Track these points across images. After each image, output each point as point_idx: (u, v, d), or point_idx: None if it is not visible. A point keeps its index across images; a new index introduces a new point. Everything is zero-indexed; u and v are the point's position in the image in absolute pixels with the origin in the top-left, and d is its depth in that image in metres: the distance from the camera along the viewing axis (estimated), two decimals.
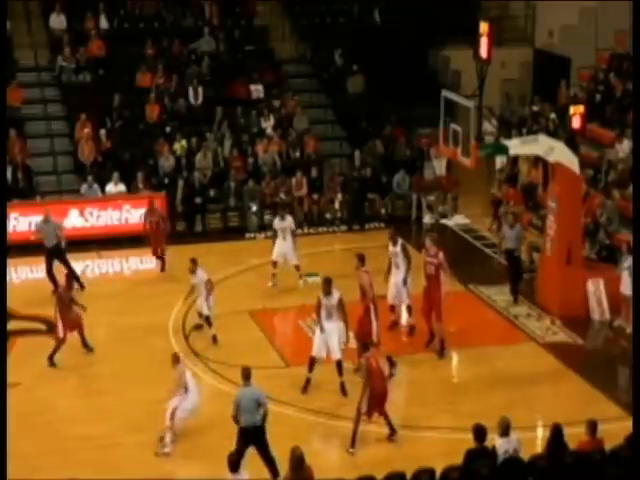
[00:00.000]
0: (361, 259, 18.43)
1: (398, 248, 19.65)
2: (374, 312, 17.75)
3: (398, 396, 17.38)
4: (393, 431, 15.87)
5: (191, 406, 16.02)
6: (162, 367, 18.45)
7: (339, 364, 17.44)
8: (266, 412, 14.46)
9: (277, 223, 22.32)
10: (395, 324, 20.02)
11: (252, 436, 14.37)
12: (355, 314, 17.84)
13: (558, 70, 30.43)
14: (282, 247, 22.11)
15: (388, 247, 19.84)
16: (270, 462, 14.33)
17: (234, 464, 12.44)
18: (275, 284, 22.12)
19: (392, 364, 18.03)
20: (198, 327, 19.89)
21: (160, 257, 23.14)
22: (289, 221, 22.25)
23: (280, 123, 28.55)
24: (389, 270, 19.61)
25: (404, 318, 19.98)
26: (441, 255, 18.78)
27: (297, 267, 22.34)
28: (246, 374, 14.72)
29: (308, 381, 17.57)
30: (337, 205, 26.73)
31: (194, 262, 19.48)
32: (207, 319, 19.53)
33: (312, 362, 17.50)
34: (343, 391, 17.34)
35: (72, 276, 20.77)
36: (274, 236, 22.41)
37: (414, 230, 26.60)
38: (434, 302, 18.78)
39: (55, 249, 21.73)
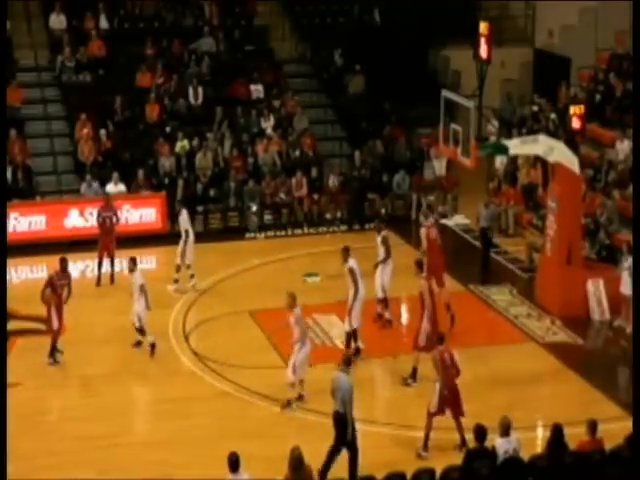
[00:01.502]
0: (419, 265, 18.56)
1: (379, 239, 20.12)
2: (428, 318, 17.75)
3: (397, 396, 17.43)
4: (463, 442, 15.29)
5: (306, 355, 16.68)
6: (162, 367, 18.53)
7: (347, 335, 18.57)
8: (345, 403, 14.38)
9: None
10: (380, 317, 20.36)
11: (336, 421, 14.50)
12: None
13: (558, 70, 30.43)
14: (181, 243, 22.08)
15: (376, 239, 20.32)
16: (330, 455, 14.36)
17: (235, 463, 12.41)
18: (177, 289, 21.97)
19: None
20: (138, 344, 19.15)
21: (110, 259, 22.70)
22: (182, 217, 22.10)
23: (280, 123, 28.57)
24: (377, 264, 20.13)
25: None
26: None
27: (188, 266, 22.09)
28: (347, 361, 14.86)
29: (358, 350, 18.46)
30: (331, 182, 26.84)
31: (133, 261, 19.18)
32: (141, 330, 18.89)
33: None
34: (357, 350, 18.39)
35: None
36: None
37: (414, 230, 26.59)
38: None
39: None
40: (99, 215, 23.04)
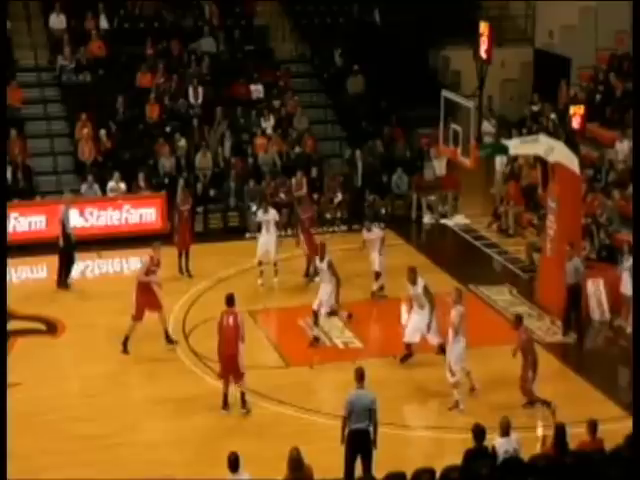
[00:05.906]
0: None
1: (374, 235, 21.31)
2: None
3: (397, 396, 17.43)
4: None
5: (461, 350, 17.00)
6: (163, 366, 18.53)
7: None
8: (377, 419, 14.06)
9: (260, 216, 22.67)
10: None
11: (361, 441, 14.08)
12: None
13: (558, 70, 30.43)
14: (265, 240, 22.33)
15: (363, 234, 21.65)
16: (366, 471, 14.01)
17: (235, 463, 12.41)
18: (264, 283, 22.14)
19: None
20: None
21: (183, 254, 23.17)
22: (272, 214, 22.50)
23: (280, 123, 28.57)
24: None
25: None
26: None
27: (275, 264, 22.38)
28: (360, 375, 14.25)
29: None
30: (337, 200, 26.78)
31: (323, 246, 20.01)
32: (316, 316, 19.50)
33: None
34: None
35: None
36: (258, 229, 22.93)
37: (414, 230, 26.62)
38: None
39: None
40: (177, 208, 23.25)
